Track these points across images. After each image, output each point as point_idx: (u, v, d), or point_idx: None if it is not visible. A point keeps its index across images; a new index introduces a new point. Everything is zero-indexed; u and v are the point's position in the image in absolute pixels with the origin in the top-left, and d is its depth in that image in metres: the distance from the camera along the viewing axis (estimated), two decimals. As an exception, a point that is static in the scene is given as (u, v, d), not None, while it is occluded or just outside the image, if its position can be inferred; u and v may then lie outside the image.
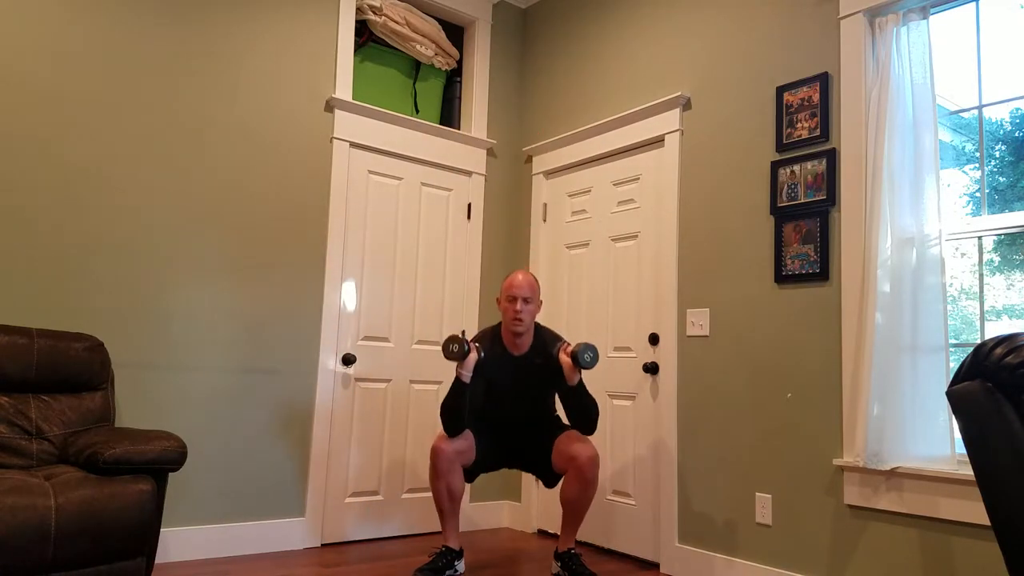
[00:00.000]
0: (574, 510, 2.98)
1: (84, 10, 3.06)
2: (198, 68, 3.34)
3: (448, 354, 2.87)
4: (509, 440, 3.15)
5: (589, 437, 2.99)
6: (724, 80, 3.29)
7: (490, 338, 3.09)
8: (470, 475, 3.08)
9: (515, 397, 3.08)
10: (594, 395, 3.76)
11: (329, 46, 3.74)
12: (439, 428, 3.99)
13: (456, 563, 3.00)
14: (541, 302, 3.10)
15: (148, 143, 3.19)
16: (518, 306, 2.96)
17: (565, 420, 3.57)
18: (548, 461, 3.05)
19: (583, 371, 2.91)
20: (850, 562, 2.65)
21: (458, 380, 2.91)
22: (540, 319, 4.07)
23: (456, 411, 2.91)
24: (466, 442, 2.98)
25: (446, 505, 2.97)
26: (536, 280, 3.07)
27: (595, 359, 2.81)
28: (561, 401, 2.99)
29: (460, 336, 2.87)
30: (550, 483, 3.11)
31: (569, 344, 2.98)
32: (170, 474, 3.11)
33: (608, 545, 3.60)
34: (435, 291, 4.05)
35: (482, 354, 2.97)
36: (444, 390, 4.03)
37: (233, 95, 3.42)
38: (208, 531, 3.21)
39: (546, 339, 3.07)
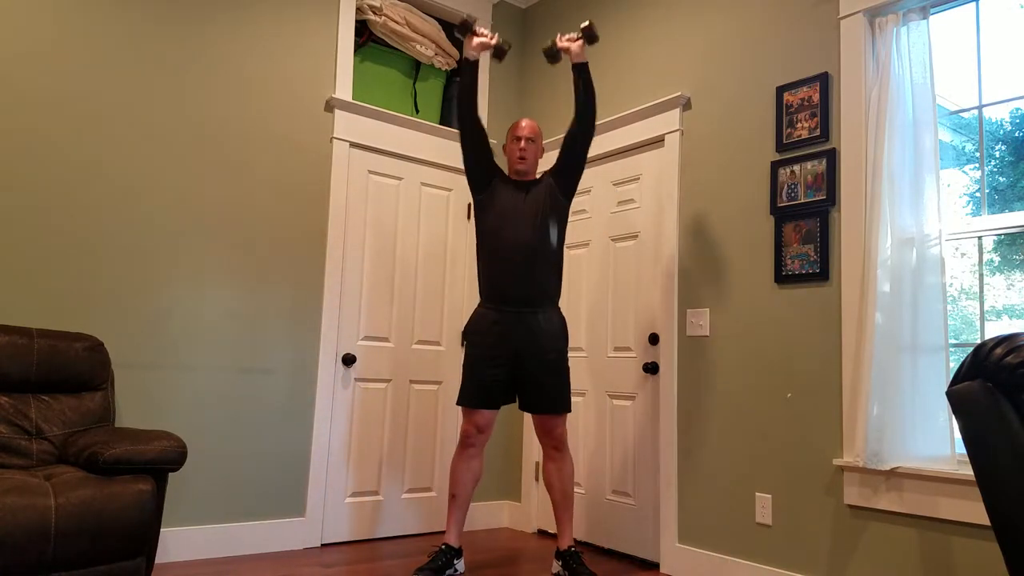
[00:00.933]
0: (559, 495, 3.05)
1: (84, 11, 3.06)
2: (198, 68, 3.34)
3: (456, 30, 3.05)
4: (514, 363, 3.03)
5: (567, 412, 3.05)
6: (724, 80, 3.29)
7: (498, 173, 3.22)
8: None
9: (524, 219, 3.06)
10: (594, 395, 3.76)
11: (329, 46, 3.74)
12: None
13: (456, 562, 3.00)
14: (543, 149, 3.27)
15: (148, 143, 3.19)
16: (522, 144, 3.14)
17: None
18: (530, 408, 3.07)
19: (589, 41, 3.04)
20: (850, 562, 2.65)
21: (464, 59, 3.06)
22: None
23: (466, 95, 3.07)
24: (491, 420, 3.05)
25: (461, 490, 3.03)
26: (539, 126, 3.24)
27: (595, 30, 3.00)
28: (574, 85, 3.07)
29: (468, 16, 3.05)
30: (521, 408, 3.17)
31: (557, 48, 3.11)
32: (170, 474, 3.11)
33: (608, 545, 3.60)
34: (435, 291, 4.05)
35: (502, 41, 3.09)
36: (444, 390, 4.03)
37: (233, 95, 3.42)
38: (208, 531, 3.21)
39: (546, 173, 3.20)
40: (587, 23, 3.01)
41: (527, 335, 3.01)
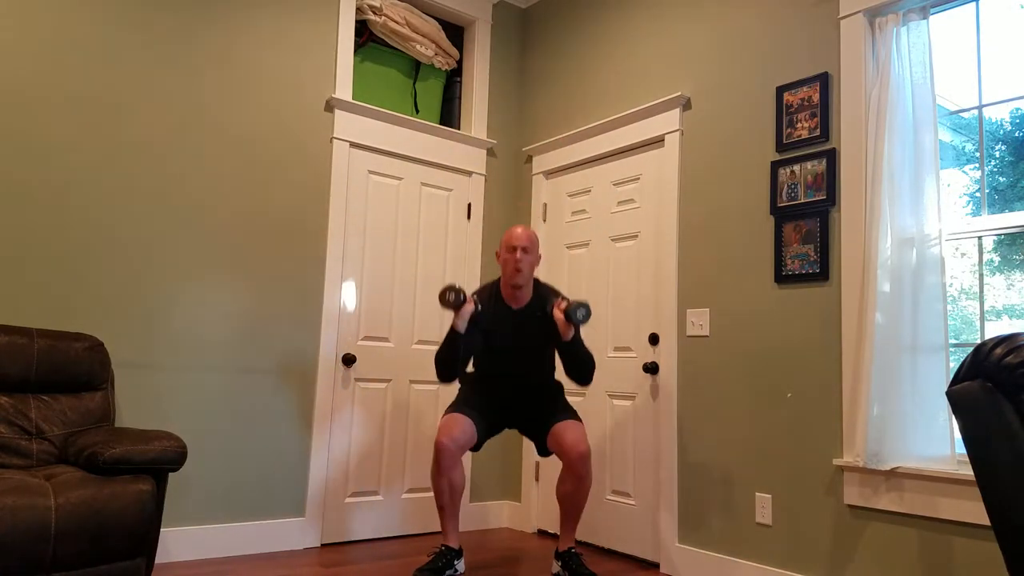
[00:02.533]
0: (571, 507, 2.99)
1: (84, 11, 3.06)
2: (197, 68, 3.34)
3: (444, 302, 2.91)
4: (510, 407, 3.13)
5: (582, 425, 3.02)
6: (724, 80, 3.29)
7: (489, 292, 3.11)
8: (476, 447, 3.09)
9: (515, 351, 3.07)
10: (594, 395, 3.76)
11: (329, 46, 3.74)
12: (439, 421, 3.98)
13: (456, 563, 3.00)
14: (540, 256, 3.14)
15: (148, 143, 3.19)
16: (518, 255, 2.99)
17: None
18: (543, 439, 3.07)
19: (578, 327, 2.94)
20: (850, 562, 2.65)
21: (452, 330, 2.94)
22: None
23: (448, 361, 2.95)
24: (468, 432, 2.96)
25: (446, 501, 2.97)
26: (535, 234, 3.11)
27: (587, 315, 2.85)
28: (559, 354, 3.01)
29: (456, 286, 2.91)
30: (542, 454, 3.15)
31: (564, 300, 2.96)
32: (170, 474, 3.11)
33: (608, 545, 3.60)
34: (435, 291, 4.05)
35: (479, 306, 2.99)
36: (444, 390, 4.03)
37: (233, 95, 3.42)
38: (208, 531, 3.21)
39: (544, 293, 3.10)
40: (573, 304, 2.83)
41: (525, 388, 3.14)
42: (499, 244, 3.20)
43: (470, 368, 3.24)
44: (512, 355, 3.09)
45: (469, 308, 2.93)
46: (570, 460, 2.91)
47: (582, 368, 2.96)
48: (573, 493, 2.95)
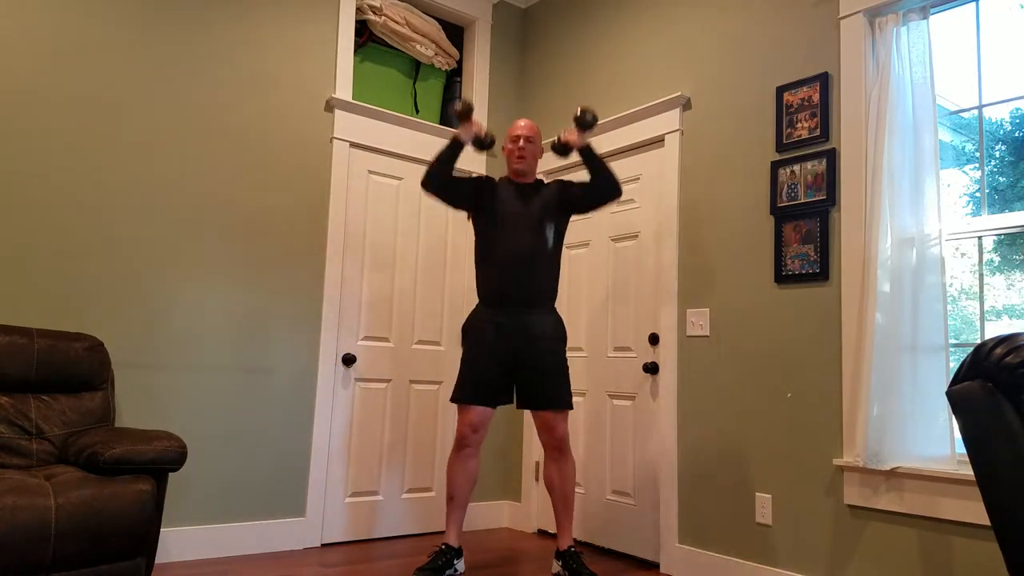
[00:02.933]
0: (559, 496, 3.04)
1: (84, 12, 3.06)
2: (197, 68, 3.34)
3: (452, 110, 3.03)
4: (512, 361, 3.03)
5: (566, 413, 3.03)
6: (724, 80, 3.29)
7: (497, 178, 3.23)
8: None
9: (522, 221, 3.07)
10: (594, 395, 3.76)
11: (329, 46, 3.74)
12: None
13: (456, 562, 3.00)
14: (542, 150, 3.26)
15: (148, 143, 3.19)
16: (520, 143, 3.13)
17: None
18: (529, 406, 3.05)
19: (587, 128, 3.01)
20: (850, 562, 2.65)
21: (455, 138, 3.04)
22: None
23: (441, 161, 3.02)
24: (486, 419, 3.03)
25: (458, 491, 3.01)
26: (537, 127, 3.22)
27: (595, 118, 2.96)
28: (585, 168, 3.07)
29: (468, 100, 3.04)
30: (519, 407, 3.16)
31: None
32: (170, 474, 3.11)
33: (608, 545, 3.60)
34: (435, 291, 4.05)
35: (486, 134, 3.09)
36: (444, 390, 4.03)
37: (233, 95, 3.42)
38: (208, 531, 3.21)
39: (547, 181, 3.19)
40: (578, 111, 2.97)
41: (525, 335, 3.02)
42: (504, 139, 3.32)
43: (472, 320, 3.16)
44: (519, 227, 3.07)
45: (473, 126, 3.04)
46: (546, 443, 3.04)
47: (603, 171, 3.03)
48: (556, 479, 3.04)
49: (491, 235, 3.10)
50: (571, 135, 3.03)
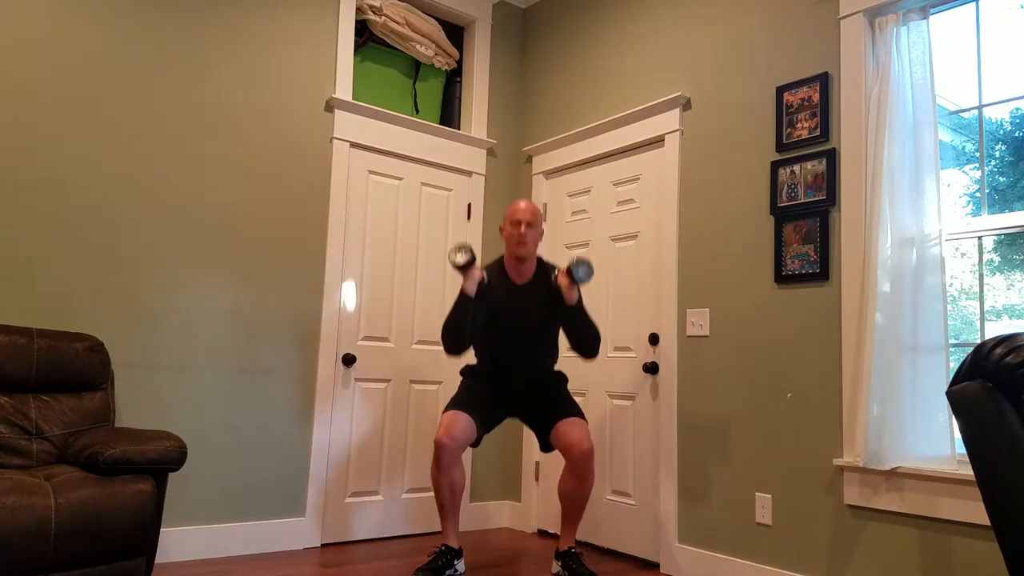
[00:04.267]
0: (572, 506, 2.98)
1: (84, 12, 3.06)
2: (197, 68, 3.34)
3: (454, 260, 2.87)
4: (512, 399, 3.11)
5: (586, 423, 3.00)
6: (724, 80, 3.29)
7: (494, 268, 3.09)
8: (476, 443, 3.08)
9: (520, 328, 3.03)
10: (594, 395, 3.76)
11: (329, 46, 3.74)
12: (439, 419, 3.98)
13: (456, 562, 3.00)
14: (543, 231, 3.13)
15: (148, 143, 3.19)
16: (522, 229, 2.98)
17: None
18: (547, 434, 3.04)
19: (580, 284, 2.91)
20: (850, 562, 2.65)
21: (461, 294, 2.91)
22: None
23: (457, 328, 2.90)
24: (468, 429, 2.94)
25: (447, 500, 2.97)
26: (538, 207, 3.10)
27: (589, 272, 2.83)
28: (563, 327, 3.00)
29: (467, 244, 2.89)
30: (544, 449, 3.12)
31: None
32: (170, 474, 3.11)
33: (608, 545, 3.60)
34: (435, 291, 4.05)
35: (486, 277, 2.97)
36: (444, 390, 4.03)
37: (233, 95, 3.42)
38: (208, 531, 3.21)
39: (547, 268, 3.09)
40: (572, 261, 2.83)
41: (526, 385, 3.11)
42: (502, 219, 3.15)
43: (472, 361, 3.22)
44: (517, 333, 3.04)
45: (477, 273, 2.91)
46: (573, 458, 2.90)
47: (587, 336, 2.94)
48: (575, 492, 2.95)
49: (490, 339, 3.06)
50: (563, 285, 2.88)
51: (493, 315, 3.03)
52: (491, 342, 3.08)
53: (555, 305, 3.01)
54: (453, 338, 2.92)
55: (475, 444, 3.06)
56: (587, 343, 2.95)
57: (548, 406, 3.07)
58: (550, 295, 3.02)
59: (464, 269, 2.87)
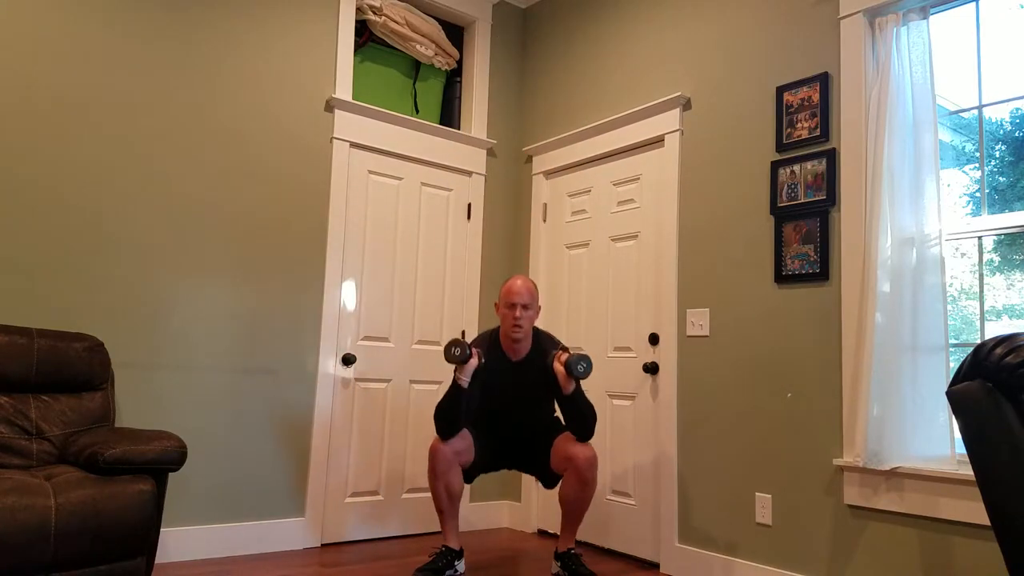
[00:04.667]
0: (573, 510, 2.98)
1: (84, 13, 3.06)
2: (197, 68, 3.34)
3: (450, 357, 2.86)
4: (508, 443, 3.15)
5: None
6: (724, 80, 3.29)
7: (488, 343, 3.08)
8: (468, 476, 3.08)
9: (514, 402, 3.08)
10: (594, 395, 3.76)
11: (329, 46, 3.73)
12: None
13: (456, 563, 3.00)
14: (540, 307, 3.09)
15: (148, 143, 3.19)
16: (517, 312, 2.95)
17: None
18: (547, 462, 3.05)
19: (579, 380, 2.90)
20: (850, 562, 2.65)
21: (455, 384, 2.90)
22: (541, 320, 4.06)
23: (451, 415, 2.90)
24: (464, 442, 2.98)
25: (445, 505, 2.97)
26: (535, 285, 3.06)
27: (588, 370, 2.81)
28: (559, 407, 3.00)
29: (462, 340, 2.85)
30: (549, 484, 3.11)
31: (564, 352, 2.93)
32: (170, 474, 3.11)
33: (608, 545, 3.60)
34: (435, 291, 4.05)
35: (482, 360, 2.96)
36: (444, 390, 4.03)
37: (233, 95, 3.42)
38: (208, 531, 3.21)
39: (544, 345, 3.06)
40: (574, 357, 2.80)
41: (523, 432, 3.14)
42: (498, 295, 3.10)
43: None
44: (511, 406, 3.08)
45: (474, 363, 2.90)
46: (578, 466, 2.88)
47: (583, 422, 2.91)
48: (577, 498, 2.94)
49: (485, 407, 3.07)
50: (560, 374, 2.85)
51: (487, 391, 3.03)
52: (486, 412, 3.10)
53: (551, 386, 2.99)
54: (447, 424, 2.91)
55: (468, 479, 3.07)
56: (583, 426, 2.92)
57: (542, 439, 3.09)
58: (546, 376, 3.00)
59: (462, 362, 2.87)
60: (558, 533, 3.23)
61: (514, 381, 3.05)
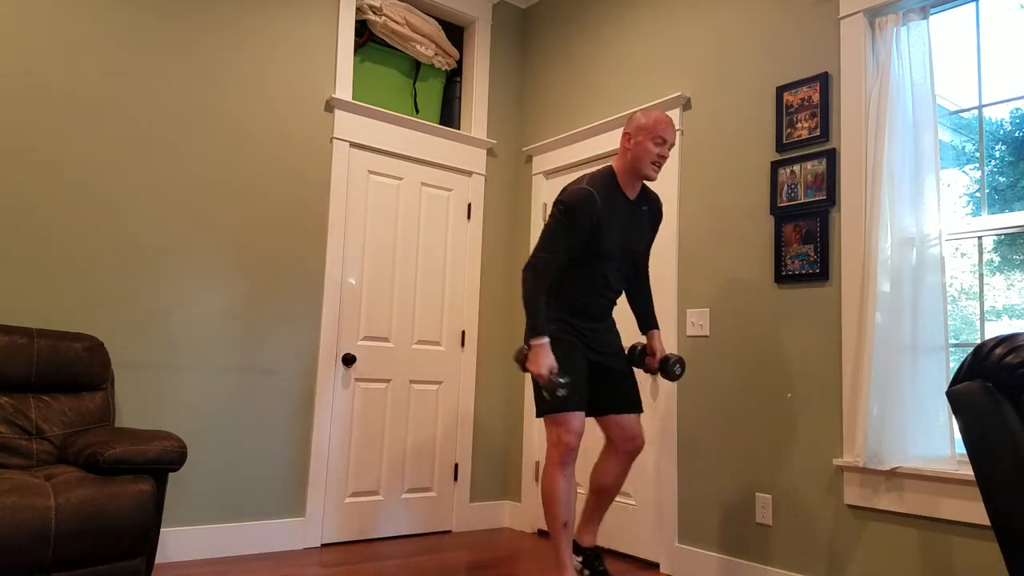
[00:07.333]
0: (606, 498, 2.84)
1: (85, 13, 3.06)
2: (197, 68, 3.34)
3: (554, 385, 2.62)
4: (595, 370, 2.84)
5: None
6: (724, 80, 3.29)
7: (605, 182, 2.74)
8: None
9: (621, 252, 2.78)
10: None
11: (329, 46, 3.73)
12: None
13: (596, 563, 2.86)
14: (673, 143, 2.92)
15: (148, 143, 3.19)
16: (666, 151, 2.69)
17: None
18: (604, 412, 2.82)
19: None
20: (850, 562, 2.65)
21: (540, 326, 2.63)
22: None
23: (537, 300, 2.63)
24: (583, 425, 2.69)
25: (571, 516, 2.68)
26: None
27: (683, 372, 2.83)
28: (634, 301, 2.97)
29: (558, 376, 2.61)
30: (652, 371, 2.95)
31: (658, 352, 2.88)
32: (170, 474, 3.11)
33: (608, 545, 3.60)
34: (435, 291, 4.05)
35: (595, 210, 2.66)
36: (444, 390, 4.03)
37: (233, 95, 3.42)
38: (208, 531, 3.21)
39: (650, 193, 2.89)
40: (674, 358, 2.80)
41: (606, 343, 2.84)
42: (632, 127, 2.73)
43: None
44: (616, 257, 2.77)
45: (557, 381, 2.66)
46: (628, 451, 2.78)
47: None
48: (615, 484, 2.81)
49: (591, 263, 2.75)
50: (650, 368, 2.87)
51: (597, 236, 2.69)
52: (591, 267, 2.75)
53: (654, 227, 2.90)
54: (534, 296, 2.64)
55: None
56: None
57: (622, 385, 2.85)
58: (654, 217, 2.88)
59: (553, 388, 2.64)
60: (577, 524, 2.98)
61: (628, 224, 2.78)
